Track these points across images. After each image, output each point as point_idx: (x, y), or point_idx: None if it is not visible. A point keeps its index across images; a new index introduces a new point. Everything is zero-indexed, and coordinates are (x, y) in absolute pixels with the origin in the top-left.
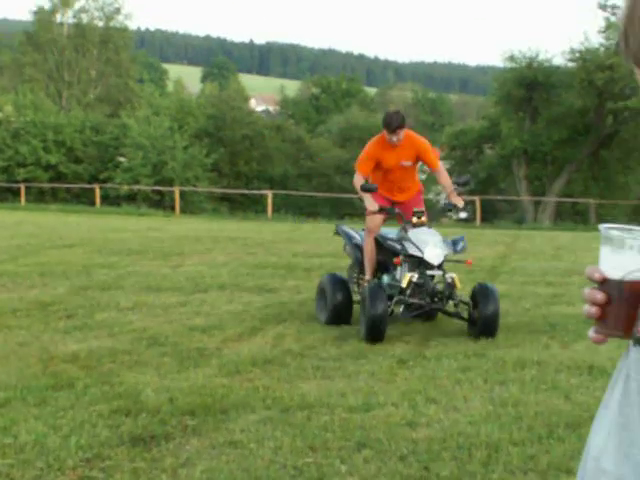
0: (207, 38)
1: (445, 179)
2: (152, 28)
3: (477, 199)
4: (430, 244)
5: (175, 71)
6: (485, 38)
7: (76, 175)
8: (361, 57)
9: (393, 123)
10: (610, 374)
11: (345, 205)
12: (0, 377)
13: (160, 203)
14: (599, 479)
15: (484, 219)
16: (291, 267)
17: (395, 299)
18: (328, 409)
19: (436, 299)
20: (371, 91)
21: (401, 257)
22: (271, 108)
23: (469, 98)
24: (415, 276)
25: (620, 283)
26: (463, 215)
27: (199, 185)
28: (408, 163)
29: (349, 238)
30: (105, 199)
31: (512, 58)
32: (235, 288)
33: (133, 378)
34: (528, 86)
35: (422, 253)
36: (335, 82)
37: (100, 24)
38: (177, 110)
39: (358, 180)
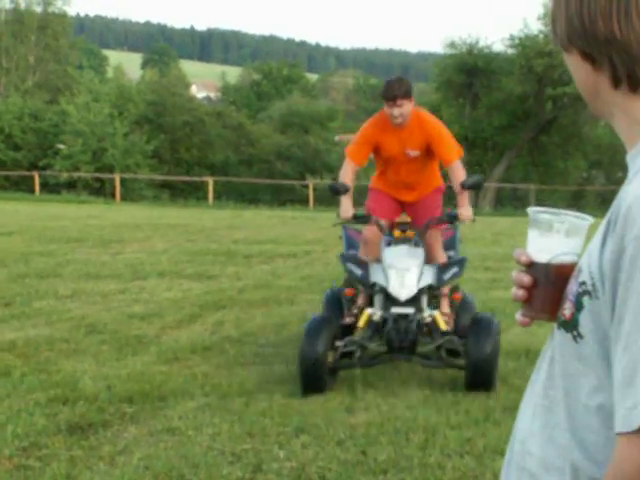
0: (147, 24)
1: (456, 179)
2: (91, 14)
3: None
4: (401, 270)
5: (115, 57)
6: (426, 25)
7: (15, 162)
8: (302, 43)
9: (393, 89)
10: None
11: (286, 191)
12: None
13: (100, 190)
14: (525, 461)
15: None
16: (231, 254)
17: (344, 341)
18: (267, 395)
19: (404, 344)
20: (313, 77)
21: (363, 286)
22: (212, 95)
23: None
24: (377, 313)
25: (547, 266)
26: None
27: (140, 172)
28: (415, 153)
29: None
30: (45, 187)
31: (452, 44)
32: (175, 275)
33: (71, 366)
34: (468, 72)
35: (387, 283)
36: (276, 68)
37: (38, 9)
38: (117, 97)
39: (345, 171)
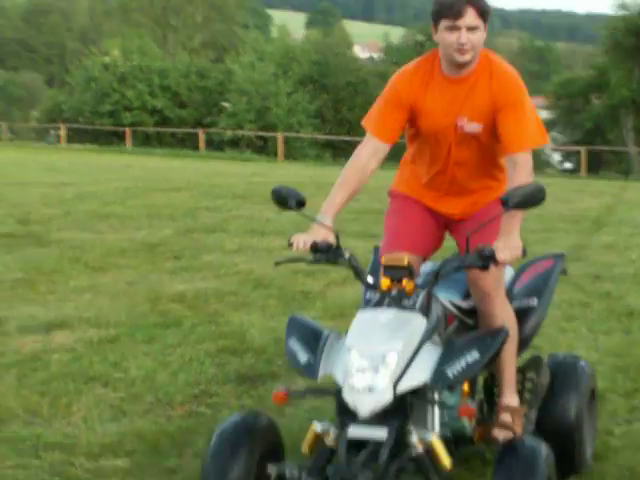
0: None
1: (510, 183)
2: None
3: (582, 150)
4: (368, 358)
5: (279, 17)
6: None
7: (181, 120)
8: None
9: None
10: None
11: None
12: (110, 314)
13: (263, 148)
14: None
15: (589, 170)
16: None
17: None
18: None
19: None
20: None
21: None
22: (375, 55)
23: (577, 47)
24: (329, 432)
25: None
26: (568, 165)
27: (302, 131)
28: (475, 126)
29: None
30: (209, 144)
31: (624, 5)
32: (339, 233)
33: (239, 319)
34: (639, 35)
35: (342, 380)
36: None
37: None
38: (281, 56)
39: (356, 157)
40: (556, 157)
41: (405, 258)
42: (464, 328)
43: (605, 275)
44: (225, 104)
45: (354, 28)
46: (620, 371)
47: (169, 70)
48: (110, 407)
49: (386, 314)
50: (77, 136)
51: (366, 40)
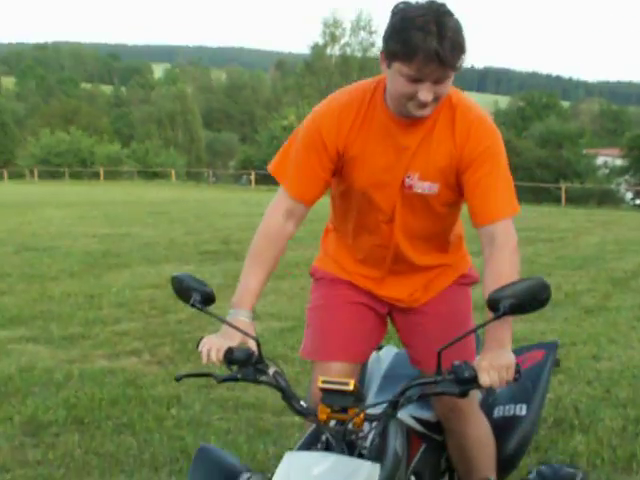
0: None
1: (491, 269)
2: None
3: None
4: None
5: None
6: None
7: None
8: (558, 78)
9: (444, 33)
10: None
11: (543, 193)
12: (288, 310)
13: None
14: None
15: None
16: None
17: None
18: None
19: None
20: (565, 104)
21: None
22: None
23: None
24: None
25: None
26: (638, 201)
27: None
28: (429, 186)
29: None
30: None
31: None
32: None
33: None
34: None
35: None
36: (537, 97)
37: (359, 55)
38: None
39: (266, 222)
40: (629, 195)
41: (351, 382)
42: (434, 450)
43: None
44: None
45: (471, 97)
46: None
47: None
48: (289, 379)
49: (323, 463)
50: (264, 180)
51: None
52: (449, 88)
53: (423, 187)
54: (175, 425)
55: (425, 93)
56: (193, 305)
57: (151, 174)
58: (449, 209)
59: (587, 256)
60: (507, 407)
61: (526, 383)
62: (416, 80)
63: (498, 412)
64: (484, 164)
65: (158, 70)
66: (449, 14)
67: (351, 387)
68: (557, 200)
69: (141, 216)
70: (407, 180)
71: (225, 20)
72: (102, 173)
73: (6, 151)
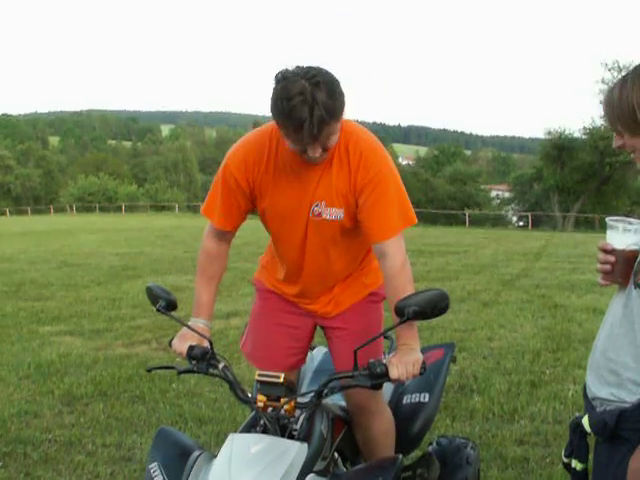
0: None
1: (390, 281)
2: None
3: (529, 214)
4: None
5: None
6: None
7: None
8: (462, 133)
9: (317, 99)
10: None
11: (453, 217)
12: None
13: None
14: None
15: (533, 225)
16: (422, 251)
17: None
18: (442, 332)
19: None
20: (467, 152)
21: None
22: (411, 162)
23: (525, 156)
24: None
25: (623, 252)
26: (521, 223)
27: None
28: (335, 212)
29: None
30: None
31: (549, 132)
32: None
33: None
34: (559, 149)
35: None
36: (447, 147)
37: None
38: None
39: (208, 240)
40: (514, 218)
41: (281, 375)
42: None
43: (542, 284)
44: None
45: (399, 148)
46: (549, 338)
47: None
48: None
49: (260, 443)
50: None
51: (405, 154)
52: (337, 137)
53: (330, 213)
54: (175, 396)
55: (312, 151)
56: (158, 310)
57: (160, 207)
58: (356, 233)
59: (484, 264)
60: (413, 395)
61: (429, 376)
62: (298, 138)
63: (406, 400)
64: (375, 189)
65: (165, 130)
66: (323, 83)
67: (281, 380)
68: (463, 223)
69: (152, 239)
70: (315, 209)
71: (215, 91)
72: (123, 207)
73: (52, 192)
